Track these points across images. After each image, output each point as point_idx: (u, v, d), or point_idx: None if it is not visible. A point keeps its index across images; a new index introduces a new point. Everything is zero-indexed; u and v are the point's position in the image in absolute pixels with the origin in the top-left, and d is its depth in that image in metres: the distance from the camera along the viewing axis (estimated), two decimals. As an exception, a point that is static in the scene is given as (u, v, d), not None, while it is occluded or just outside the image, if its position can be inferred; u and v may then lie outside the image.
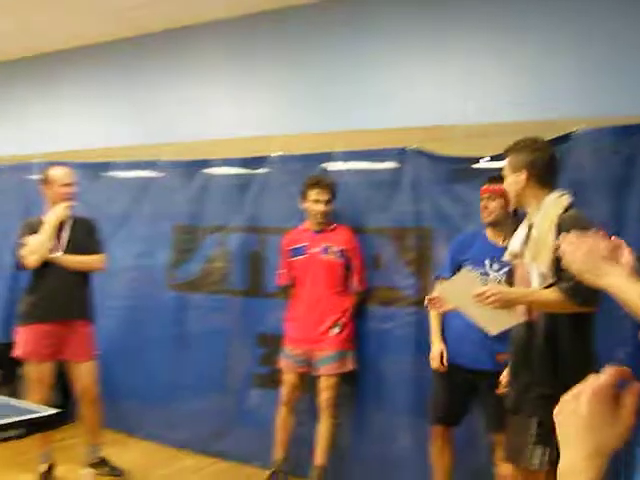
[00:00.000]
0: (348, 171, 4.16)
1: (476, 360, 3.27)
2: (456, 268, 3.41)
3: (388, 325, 3.92)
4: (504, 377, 2.99)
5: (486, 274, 3.26)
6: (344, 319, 3.87)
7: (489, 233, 3.41)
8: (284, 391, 3.93)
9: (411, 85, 4.13)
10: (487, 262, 3.30)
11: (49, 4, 4.76)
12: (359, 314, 3.97)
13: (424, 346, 3.55)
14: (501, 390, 3.01)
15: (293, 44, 4.61)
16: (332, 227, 3.95)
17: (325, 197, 3.85)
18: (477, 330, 2.88)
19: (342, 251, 3.89)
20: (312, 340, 3.85)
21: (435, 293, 2.79)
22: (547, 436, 2.39)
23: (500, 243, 3.29)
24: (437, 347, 3.43)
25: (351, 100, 4.31)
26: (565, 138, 3.39)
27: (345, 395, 3.95)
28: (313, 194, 3.85)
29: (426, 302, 2.93)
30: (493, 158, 3.54)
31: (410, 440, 3.76)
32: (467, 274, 2.73)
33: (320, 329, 3.84)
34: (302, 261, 3.94)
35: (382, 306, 3.96)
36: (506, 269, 3.13)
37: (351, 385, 3.96)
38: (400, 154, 3.97)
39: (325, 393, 3.81)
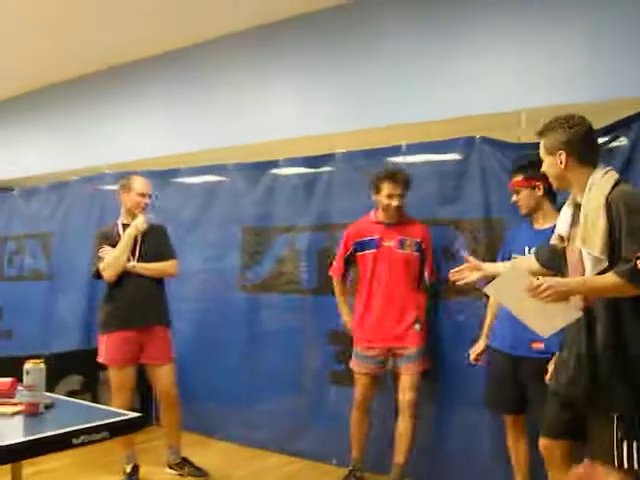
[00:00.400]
0: (414, 164, 4.11)
1: (513, 347, 3.25)
2: (503, 258, 3.43)
3: (461, 317, 3.85)
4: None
5: None
6: (423, 315, 3.79)
7: (533, 220, 3.39)
8: (357, 393, 3.84)
9: (471, 74, 4.09)
10: (526, 249, 3.27)
11: (115, 17, 4.89)
12: (432, 308, 3.91)
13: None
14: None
15: (353, 40, 4.60)
16: (406, 219, 3.82)
17: (399, 191, 3.71)
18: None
19: (419, 244, 3.77)
20: (393, 339, 3.73)
21: (488, 292, 2.68)
22: (632, 430, 2.31)
23: (542, 227, 3.28)
24: (480, 343, 3.51)
25: (412, 92, 4.28)
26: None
27: (424, 392, 3.88)
28: (387, 188, 3.71)
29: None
30: None
31: (490, 433, 3.69)
32: (515, 270, 2.58)
33: (401, 326, 3.73)
34: (374, 255, 3.79)
35: (454, 298, 3.89)
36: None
37: (429, 381, 3.89)
38: (466, 143, 3.90)
39: (408, 392, 3.70)
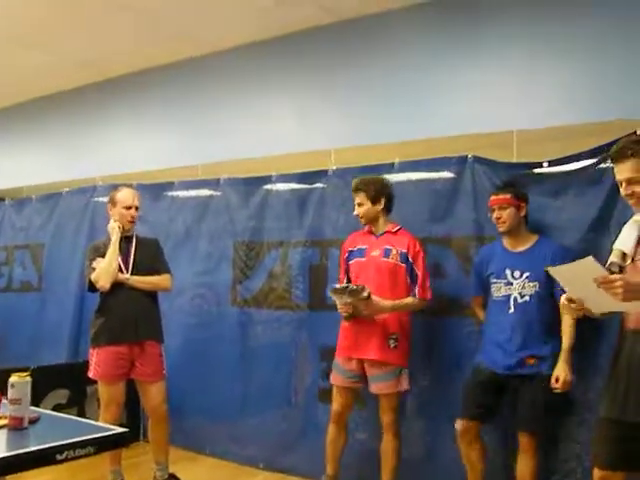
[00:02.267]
0: (406, 181, 4.12)
1: (506, 367, 3.28)
2: (484, 284, 3.51)
3: (450, 336, 3.85)
4: (561, 374, 3.08)
5: (509, 283, 3.32)
6: (401, 332, 3.66)
7: (507, 242, 3.46)
8: (334, 406, 3.79)
9: (465, 93, 4.12)
10: (508, 272, 3.36)
11: (112, 29, 4.90)
12: (420, 325, 3.87)
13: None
14: (559, 387, 3.08)
15: (349, 58, 4.63)
16: (395, 229, 3.79)
17: (358, 200, 3.75)
18: (505, 338, 3.22)
19: (405, 254, 3.69)
20: (365, 350, 3.64)
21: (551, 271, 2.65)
22: None
23: (518, 249, 3.39)
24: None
25: (407, 110, 4.30)
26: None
27: (406, 410, 3.90)
28: (355, 198, 3.79)
29: None
30: (551, 163, 3.56)
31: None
32: (591, 264, 2.58)
33: (376, 339, 3.62)
34: (360, 264, 3.76)
35: (444, 317, 3.88)
36: (527, 274, 3.27)
37: (412, 399, 3.90)
38: (459, 162, 3.92)
39: (388, 414, 3.65)
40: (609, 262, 2.56)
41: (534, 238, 3.42)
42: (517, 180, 3.57)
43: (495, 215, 3.42)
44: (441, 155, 3.99)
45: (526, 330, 3.27)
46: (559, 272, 2.55)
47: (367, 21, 4.50)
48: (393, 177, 4.12)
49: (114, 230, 3.91)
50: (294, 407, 4.44)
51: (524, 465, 3.24)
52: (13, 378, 2.19)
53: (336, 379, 3.80)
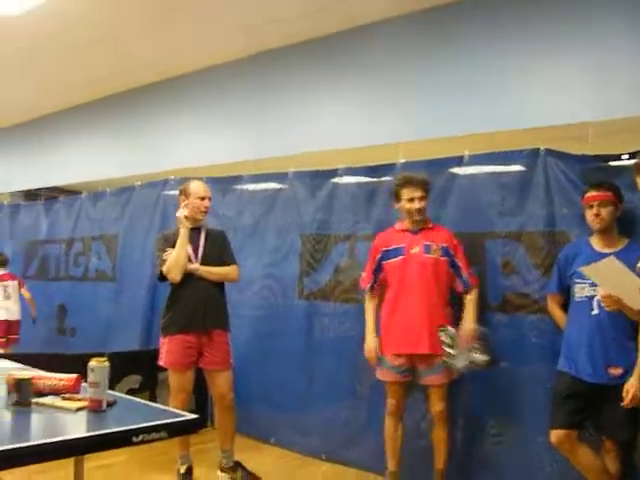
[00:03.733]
0: (475, 175, 4.07)
1: (589, 374, 3.17)
2: (564, 284, 3.38)
3: (518, 333, 3.78)
4: (631, 389, 2.94)
5: (594, 284, 3.11)
6: (448, 323, 3.67)
7: (596, 241, 3.30)
8: (389, 401, 3.85)
9: (537, 85, 4.00)
10: None
11: (178, 28, 5.00)
12: (486, 321, 3.82)
13: (553, 355, 3.44)
14: (628, 402, 2.95)
15: (417, 49, 4.57)
16: (430, 225, 3.82)
17: (418, 194, 3.74)
18: (587, 341, 3.11)
19: (445, 248, 3.72)
20: (417, 345, 3.67)
21: (585, 270, 2.63)
22: None
23: (607, 250, 3.16)
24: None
25: (477, 102, 4.22)
26: None
27: (464, 401, 3.89)
28: (406, 193, 3.76)
29: None
30: (631, 155, 3.37)
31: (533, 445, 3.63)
32: (614, 263, 2.54)
33: (427, 334, 3.64)
34: (400, 262, 3.77)
35: (511, 313, 3.82)
36: None
37: (466, 392, 3.89)
38: (530, 155, 3.85)
39: (437, 404, 3.71)
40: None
41: (624, 241, 3.27)
42: (593, 174, 3.47)
43: (594, 211, 3.24)
44: (511, 148, 3.92)
45: (608, 333, 3.13)
46: (591, 271, 2.59)
47: (435, 13, 4.42)
48: (462, 170, 4.09)
49: (182, 222, 3.96)
50: (358, 400, 4.45)
51: (610, 463, 3.20)
52: (92, 363, 2.26)
53: (385, 375, 3.84)
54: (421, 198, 3.76)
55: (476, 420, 3.91)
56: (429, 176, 4.00)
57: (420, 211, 3.77)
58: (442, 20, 4.42)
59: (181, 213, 3.98)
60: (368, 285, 3.96)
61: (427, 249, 3.73)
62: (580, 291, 3.27)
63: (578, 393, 3.21)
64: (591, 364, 3.17)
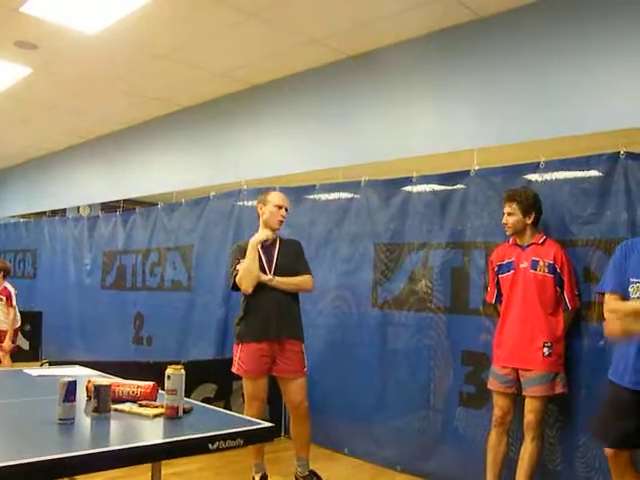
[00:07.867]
0: (552, 181, 3.96)
1: (635, 382, 2.98)
2: (621, 282, 3.09)
3: (602, 342, 3.62)
4: None
5: None
6: (554, 340, 3.63)
7: None
8: (495, 412, 3.79)
9: (614, 87, 3.85)
10: None
11: (259, 32, 5.07)
12: (572, 332, 3.72)
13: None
14: None
15: (489, 55, 4.48)
16: (541, 241, 3.75)
17: (509, 209, 3.74)
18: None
19: (552, 265, 3.66)
20: (519, 360, 3.68)
21: None
22: None
23: None
24: None
25: (552, 107, 4.10)
26: None
27: (555, 417, 3.76)
28: (504, 207, 3.79)
29: None
30: None
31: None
32: None
33: (529, 349, 3.63)
34: (510, 277, 3.78)
35: (596, 323, 3.66)
36: None
37: (562, 407, 3.74)
38: (610, 159, 3.72)
39: (528, 415, 3.63)
40: None
41: None
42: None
43: None
44: (590, 153, 3.80)
45: None
46: None
47: (508, 17, 4.33)
48: (539, 177, 3.99)
49: (260, 236, 4.03)
50: (433, 411, 4.38)
51: None
52: (169, 370, 2.31)
53: (492, 384, 3.82)
54: (510, 214, 3.76)
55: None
56: (504, 184, 3.92)
57: (506, 226, 3.78)
58: (516, 22, 4.32)
59: (259, 233, 4.06)
60: (493, 299, 3.96)
61: (534, 265, 3.70)
62: (635, 292, 3.02)
63: (629, 406, 3.01)
64: (638, 374, 2.97)
